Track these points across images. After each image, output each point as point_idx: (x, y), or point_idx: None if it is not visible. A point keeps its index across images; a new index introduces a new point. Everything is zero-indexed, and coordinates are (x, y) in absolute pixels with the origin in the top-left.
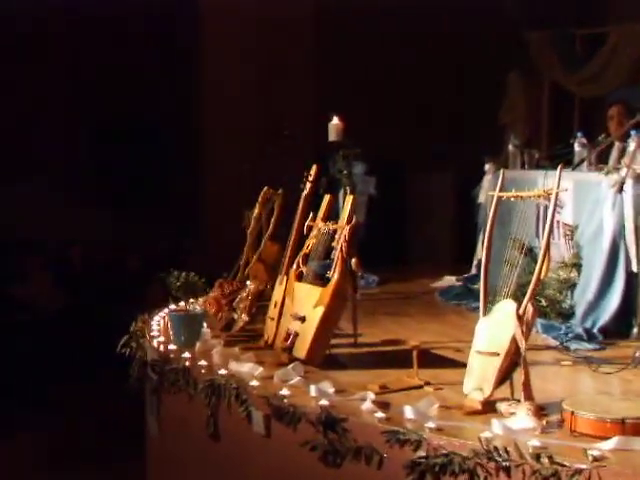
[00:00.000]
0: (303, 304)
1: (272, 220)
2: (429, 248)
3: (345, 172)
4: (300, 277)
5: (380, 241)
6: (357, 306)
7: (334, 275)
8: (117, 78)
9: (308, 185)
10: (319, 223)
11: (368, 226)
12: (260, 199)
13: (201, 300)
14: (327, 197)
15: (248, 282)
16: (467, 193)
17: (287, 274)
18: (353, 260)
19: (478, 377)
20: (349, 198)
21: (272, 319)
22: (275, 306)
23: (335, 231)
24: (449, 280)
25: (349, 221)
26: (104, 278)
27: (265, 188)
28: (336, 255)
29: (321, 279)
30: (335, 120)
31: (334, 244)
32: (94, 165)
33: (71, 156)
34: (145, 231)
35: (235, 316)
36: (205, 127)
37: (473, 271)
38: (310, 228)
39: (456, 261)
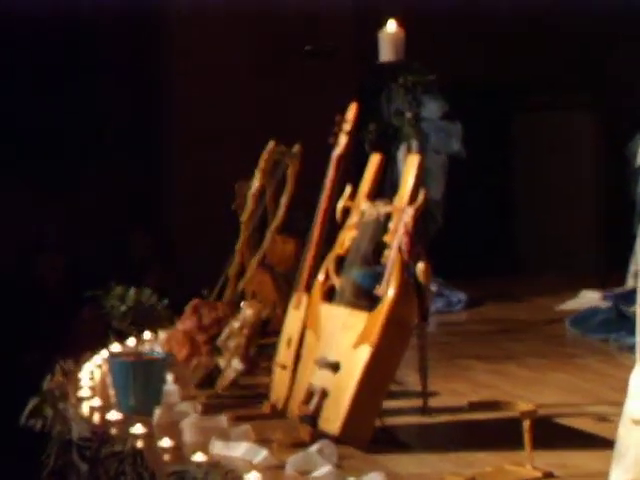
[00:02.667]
0: (335, 341)
1: (283, 199)
2: (553, 247)
3: (408, 115)
4: (330, 295)
5: (469, 234)
6: (428, 344)
7: (388, 291)
8: None
9: (343, 139)
10: (361, 203)
11: (448, 209)
12: (262, 163)
13: (163, 336)
14: (375, 158)
15: (242, 304)
16: (617, 151)
17: (308, 290)
18: (420, 266)
19: (636, 464)
20: (414, 160)
21: (284, 367)
22: (289, 345)
23: (389, 216)
24: (588, 299)
25: (412, 199)
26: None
27: (270, 143)
28: (391, 257)
29: (366, 298)
30: (392, 26)
31: (387, 239)
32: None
33: None
34: (71, 222)
35: (221, 362)
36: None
37: (629, 284)
38: (346, 212)
39: (598, 268)
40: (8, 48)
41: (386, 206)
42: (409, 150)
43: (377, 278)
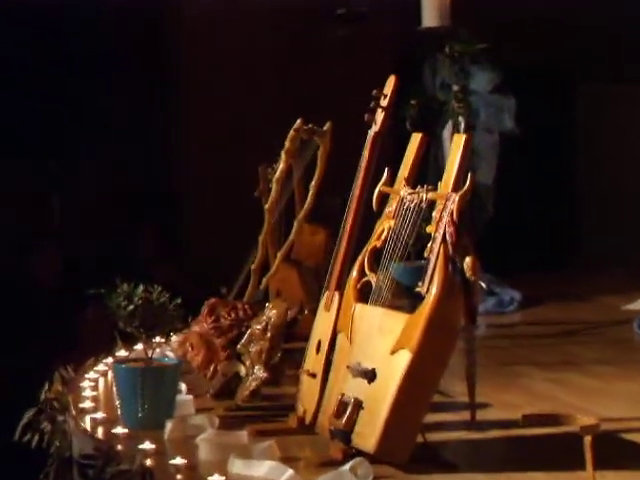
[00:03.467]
0: (371, 346)
1: (312, 184)
2: (620, 240)
3: (455, 88)
4: (365, 294)
5: (525, 225)
6: (476, 349)
7: (431, 289)
8: None
9: (380, 115)
10: (401, 189)
11: (500, 196)
12: (288, 143)
13: (176, 340)
14: (417, 138)
15: (267, 305)
16: None
17: (340, 288)
18: (467, 260)
19: None
20: (460, 139)
21: (312, 375)
22: (318, 350)
23: (433, 204)
24: None
25: (459, 184)
26: None
27: (298, 121)
28: (434, 251)
29: (406, 297)
30: None
31: (430, 230)
32: None
33: None
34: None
35: (241, 370)
36: None
37: None
38: (384, 198)
39: None
40: (5, 42)
41: (429, 192)
42: (456, 128)
43: (418, 274)
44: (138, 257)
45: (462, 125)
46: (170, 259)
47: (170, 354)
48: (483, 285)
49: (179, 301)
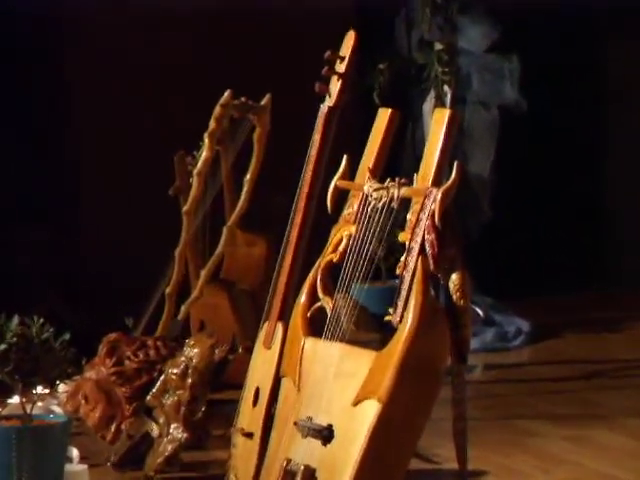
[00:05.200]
0: (326, 395)
1: (247, 176)
2: None
3: (439, 47)
4: (318, 325)
5: (535, 232)
6: (466, 398)
7: (406, 318)
8: None
9: (336, 85)
10: (365, 183)
11: (500, 192)
12: (213, 122)
13: (65, 390)
14: (386, 114)
15: (188, 341)
16: None
17: (282, 318)
18: (455, 277)
19: None
20: (444, 115)
21: (248, 435)
22: (255, 403)
23: (408, 203)
24: None
25: (442, 177)
26: None
27: (226, 94)
28: (410, 266)
29: (372, 328)
30: None
31: (404, 237)
32: None
33: None
34: None
35: (153, 429)
36: None
37: None
38: (342, 196)
39: None
40: None
41: (402, 188)
42: (439, 101)
43: (389, 298)
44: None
45: (448, 97)
46: (54, 282)
47: (57, 409)
48: (478, 312)
49: (67, 337)
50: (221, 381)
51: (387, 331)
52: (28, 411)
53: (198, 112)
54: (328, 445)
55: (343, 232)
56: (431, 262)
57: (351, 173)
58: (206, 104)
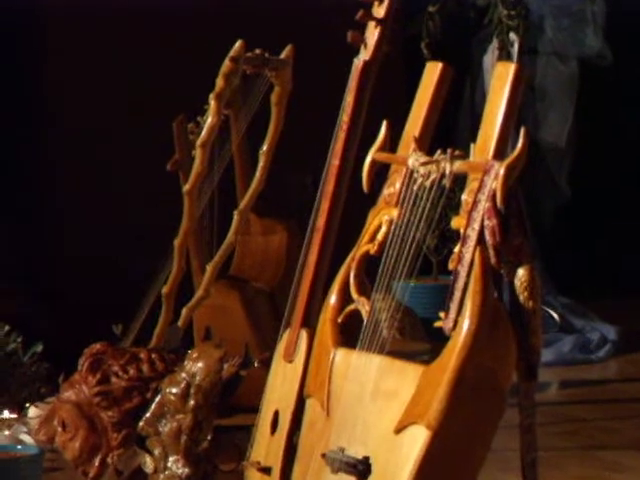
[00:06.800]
0: (362, 419)
1: (264, 148)
2: None
3: None
4: (352, 332)
5: (626, 217)
6: (535, 424)
7: (461, 324)
8: None
9: (373, 34)
10: (409, 156)
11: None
12: (221, 80)
13: (37, 414)
14: (436, 69)
15: (190, 353)
16: None
17: (307, 324)
18: (522, 273)
19: None
20: (508, 70)
21: (265, 471)
22: (274, 429)
23: (463, 181)
24: None
25: (501, 147)
26: None
27: (237, 45)
28: (465, 260)
29: (419, 335)
30: None
31: (458, 224)
32: None
33: None
34: None
35: (147, 463)
36: None
37: None
38: (381, 171)
39: None
40: None
41: (456, 161)
42: (504, 52)
43: (441, 298)
44: None
45: (515, 47)
46: (23, 277)
47: (27, 438)
48: (553, 316)
49: (40, 348)
50: (231, 403)
51: (438, 340)
52: (21, 438)
53: (202, 67)
54: None
55: (383, 217)
56: (492, 254)
57: (393, 143)
58: (213, 57)
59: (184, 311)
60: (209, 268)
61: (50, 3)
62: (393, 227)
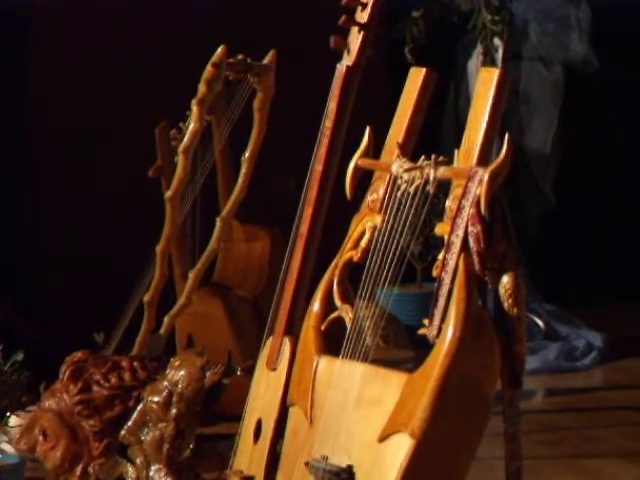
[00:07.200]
0: (346, 427)
1: (246, 154)
2: None
3: None
4: (334, 340)
5: (612, 222)
6: (520, 432)
7: (445, 332)
8: None
9: (356, 38)
10: (393, 162)
11: (567, 174)
12: (203, 85)
13: (17, 424)
14: (419, 75)
15: (172, 361)
16: None
17: (291, 332)
18: (506, 280)
19: None
20: (492, 76)
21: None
22: (257, 438)
23: (447, 187)
24: None
25: (485, 153)
26: None
27: (220, 50)
28: (450, 266)
29: (406, 344)
30: None
31: (442, 230)
32: None
33: None
34: None
35: (129, 472)
36: None
37: None
38: (364, 177)
39: None
40: None
41: (440, 167)
42: (489, 58)
43: (424, 305)
44: None
45: (499, 52)
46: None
47: (7, 447)
48: (539, 323)
49: (20, 357)
50: (214, 411)
51: (422, 348)
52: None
53: (184, 73)
54: None
55: (366, 223)
56: (476, 261)
57: (376, 149)
58: (195, 63)
59: (166, 319)
60: (191, 275)
61: (34, 2)
62: (377, 234)
